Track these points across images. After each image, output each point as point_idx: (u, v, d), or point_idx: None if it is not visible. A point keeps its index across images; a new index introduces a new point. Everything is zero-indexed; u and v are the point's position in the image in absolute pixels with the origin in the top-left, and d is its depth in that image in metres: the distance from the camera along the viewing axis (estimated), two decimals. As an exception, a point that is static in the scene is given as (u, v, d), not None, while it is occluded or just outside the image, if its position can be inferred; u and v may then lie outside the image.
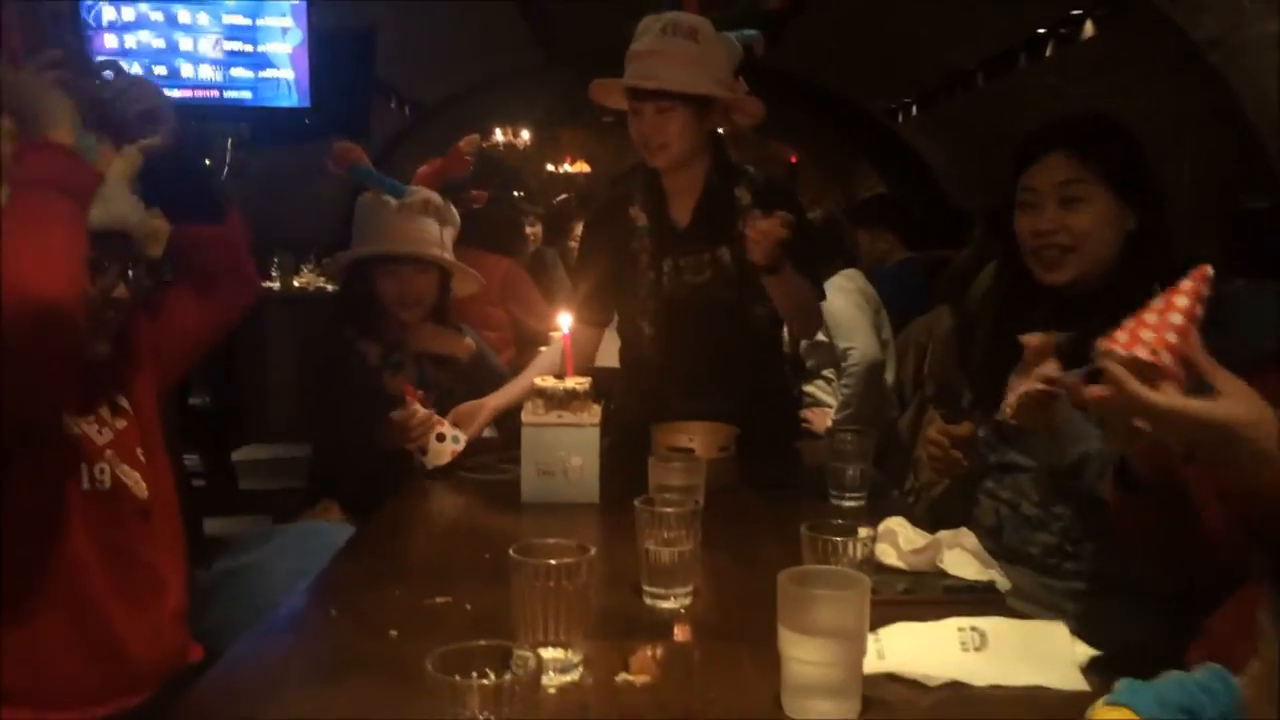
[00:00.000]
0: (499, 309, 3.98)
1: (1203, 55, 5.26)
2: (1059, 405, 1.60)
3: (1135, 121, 5.72)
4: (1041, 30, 6.62)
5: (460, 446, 2.24)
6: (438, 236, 2.52)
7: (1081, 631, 1.34)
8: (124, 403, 1.68)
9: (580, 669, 1.24)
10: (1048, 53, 6.68)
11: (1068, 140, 1.81)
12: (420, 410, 2.21)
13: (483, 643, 0.98)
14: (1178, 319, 1.17)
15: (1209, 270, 1.19)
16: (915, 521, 1.95)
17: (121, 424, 1.65)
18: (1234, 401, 1.13)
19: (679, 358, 2.44)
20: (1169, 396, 1.14)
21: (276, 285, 6.34)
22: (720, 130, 2.45)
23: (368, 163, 2.53)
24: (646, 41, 2.25)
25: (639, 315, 2.45)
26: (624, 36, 2.35)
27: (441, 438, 2.23)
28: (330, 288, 6.44)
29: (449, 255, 2.55)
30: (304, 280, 6.77)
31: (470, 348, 2.56)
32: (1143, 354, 1.16)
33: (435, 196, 2.54)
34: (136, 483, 1.63)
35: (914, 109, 8.86)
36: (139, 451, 1.66)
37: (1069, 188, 1.78)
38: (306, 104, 5.74)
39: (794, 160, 11.33)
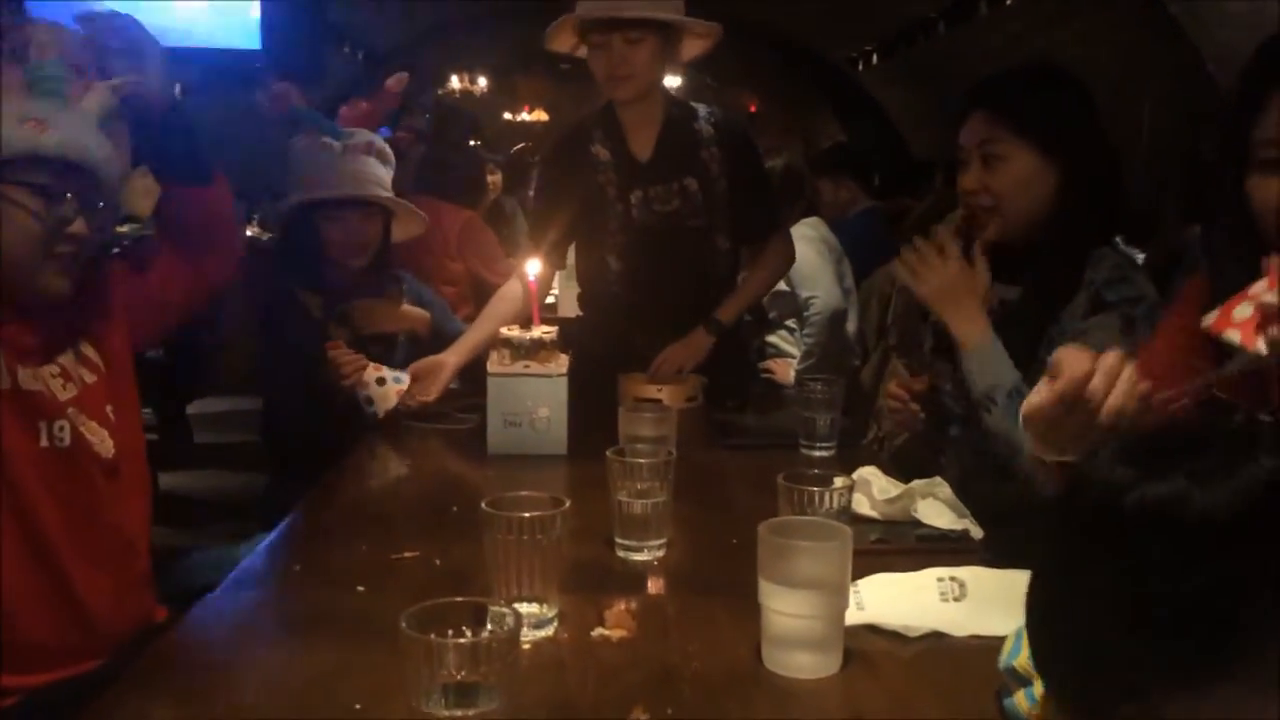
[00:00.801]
0: (457, 263, 3.89)
1: (1163, 4, 5.26)
2: None
3: (1096, 71, 5.75)
4: (1004, -23, 6.59)
5: (404, 386, 2.19)
6: (382, 178, 2.46)
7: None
8: (93, 355, 1.61)
9: (555, 624, 1.22)
10: (1008, 1, 6.65)
11: (987, 98, 1.79)
12: (346, 351, 2.18)
13: (458, 599, 0.95)
14: None
15: None
16: (881, 465, 1.96)
17: (90, 378, 1.59)
18: None
19: (647, 292, 2.44)
20: None
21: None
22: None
23: (304, 104, 2.45)
24: None
25: (606, 251, 2.44)
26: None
27: (382, 381, 2.18)
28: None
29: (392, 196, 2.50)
30: (254, 230, 6.63)
31: (426, 319, 2.49)
32: None
33: (376, 138, 2.49)
34: (103, 440, 1.57)
35: (874, 57, 8.83)
36: (108, 408, 1.60)
37: (987, 146, 1.75)
38: (258, 47, 5.61)
39: (753, 109, 11.27)
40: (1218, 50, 5.13)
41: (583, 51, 2.36)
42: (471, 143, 6.40)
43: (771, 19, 8.81)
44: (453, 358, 2.28)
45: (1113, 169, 1.78)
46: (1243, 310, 1.06)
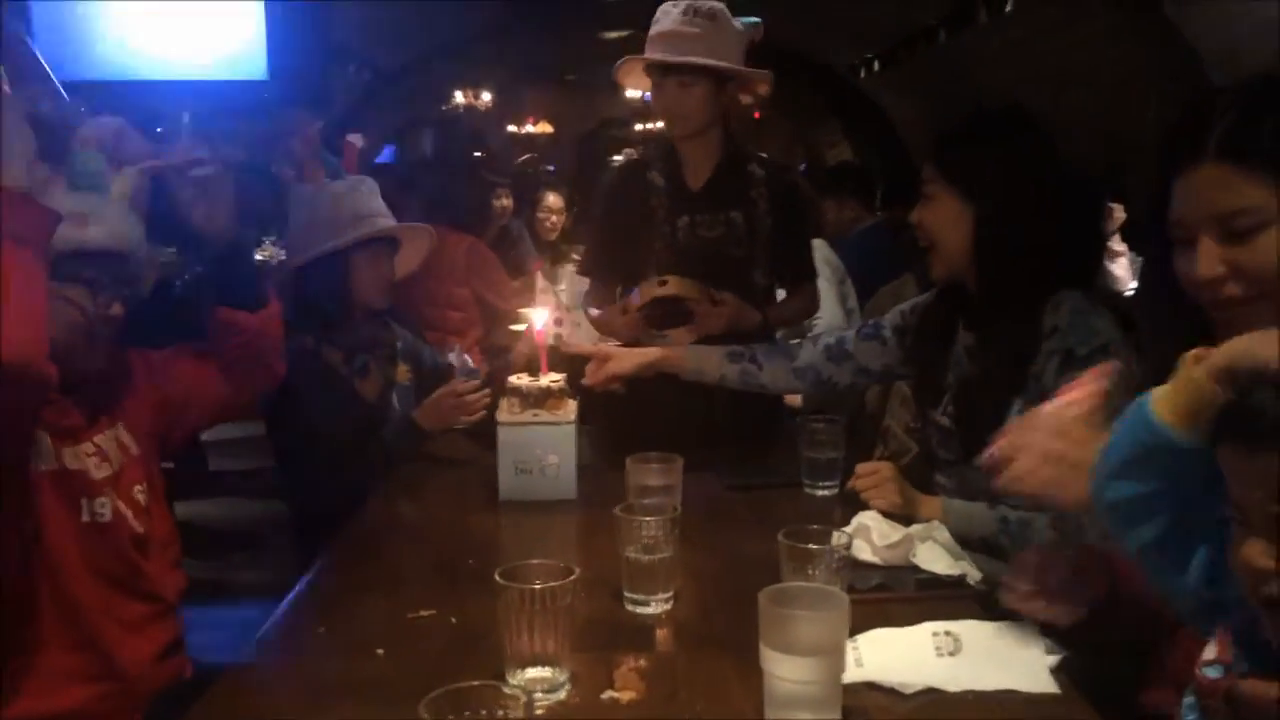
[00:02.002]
0: (464, 288, 3.96)
1: (1160, 8, 5.28)
2: None
3: (1098, 76, 5.76)
4: (1002, -15, 6.60)
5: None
6: (388, 211, 2.53)
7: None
8: (127, 438, 1.69)
9: (567, 687, 1.27)
10: (1008, 7, 6.66)
11: (932, 149, 1.91)
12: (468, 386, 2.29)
13: (475, 684, 1.00)
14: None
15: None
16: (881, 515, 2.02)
17: (121, 459, 1.66)
18: None
19: (685, 313, 2.49)
20: None
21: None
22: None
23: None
24: (667, 23, 2.43)
25: (650, 270, 2.53)
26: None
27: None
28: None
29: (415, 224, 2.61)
30: (266, 253, 6.70)
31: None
32: None
33: (368, 179, 2.57)
34: (135, 516, 1.64)
35: (876, 65, 8.84)
36: (137, 489, 1.67)
37: (925, 187, 1.88)
38: (264, 77, 5.67)
39: (757, 116, 11.29)
40: (1216, 53, 5.15)
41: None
42: (476, 155, 6.44)
43: (774, 27, 8.84)
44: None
45: (1048, 217, 1.79)
46: None
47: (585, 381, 2.16)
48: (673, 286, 2.37)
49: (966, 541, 1.73)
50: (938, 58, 7.83)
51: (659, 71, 2.44)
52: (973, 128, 1.92)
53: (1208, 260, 1.16)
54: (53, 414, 1.55)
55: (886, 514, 1.75)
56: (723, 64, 2.41)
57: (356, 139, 2.67)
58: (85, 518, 1.57)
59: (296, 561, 1.88)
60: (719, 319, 2.38)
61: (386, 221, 2.47)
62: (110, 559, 1.58)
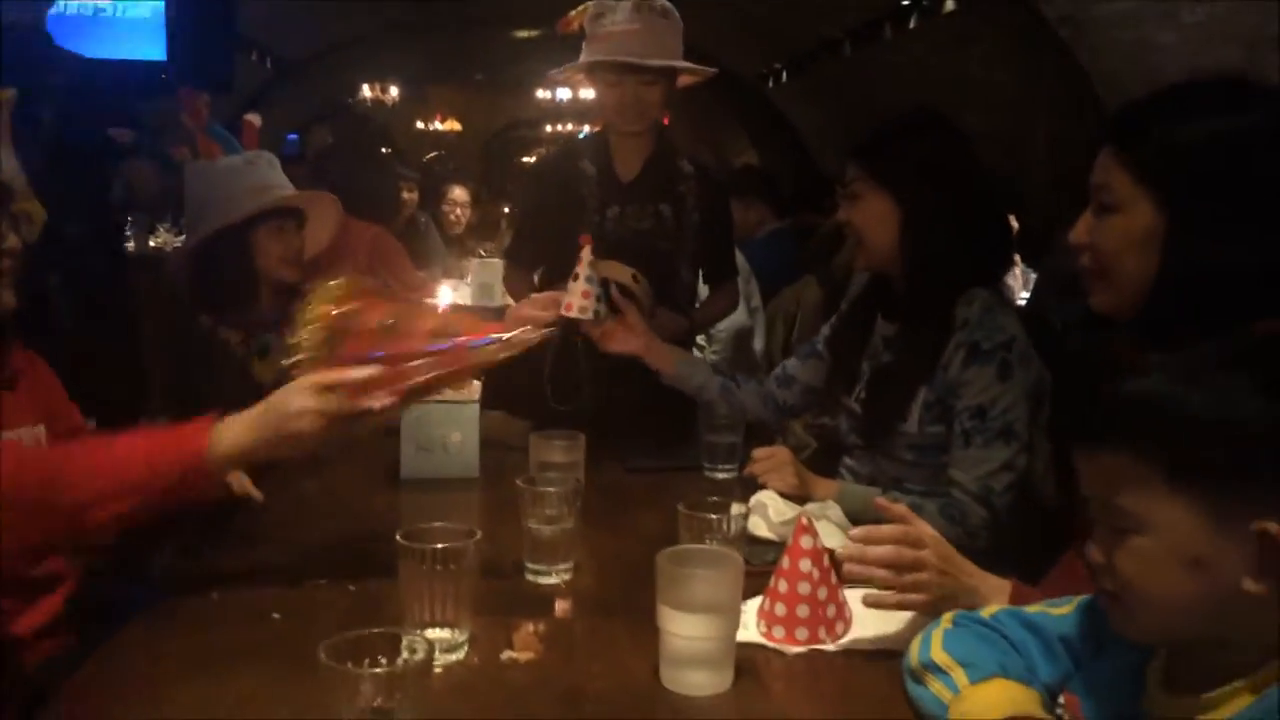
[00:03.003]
0: (369, 276, 3.91)
1: (1054, 31, 5.49)
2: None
3: (996, 93, 5.94)
4: (906, 1, 6.79)
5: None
6: (290, 185, 2.48)
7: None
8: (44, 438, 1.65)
9: (466, 648, 1.28)
10: (911, 24, 6.86)
11: (857, 148, 1.98)
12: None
13: (374, 630, 1.01)
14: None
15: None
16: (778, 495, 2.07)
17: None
18: None
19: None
20: None
21: (131, 246, 6.09)
22: None
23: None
24: (621, 19, 2.39)
25: (577, 259, 2.52)
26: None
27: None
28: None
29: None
30: (160, 240, 6.52)
31: None
32: None
33: (267, 153, 2.54)
34: None
35: (784, 75, 9.01)
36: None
37: (850, 185, 1.96)
38: (163, 57, 5.53)
39: (666, 122, 11.38)
40: (1103, 76, 5.38)
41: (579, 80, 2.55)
42: (384, 150, 6.37)
43: (686, 34, 8.96)
44: None
45: (969, 216, 1.89)
46: None
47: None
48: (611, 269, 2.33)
49: (860, 523, 1.79)
50: (843, 70, 8.02)
51: (615, 70, 2.40)
52: (897, 129, 1.97)
53: (1080, 226, 1.30)
54: None
55: (783, 494, 1.80)
56: (690, 65, 2.45)
57: (255, 118, 2.62)
58: None
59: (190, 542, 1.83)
60: (642, 316, 2.35)
61: (286, 191, 2.42)
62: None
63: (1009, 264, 2.58)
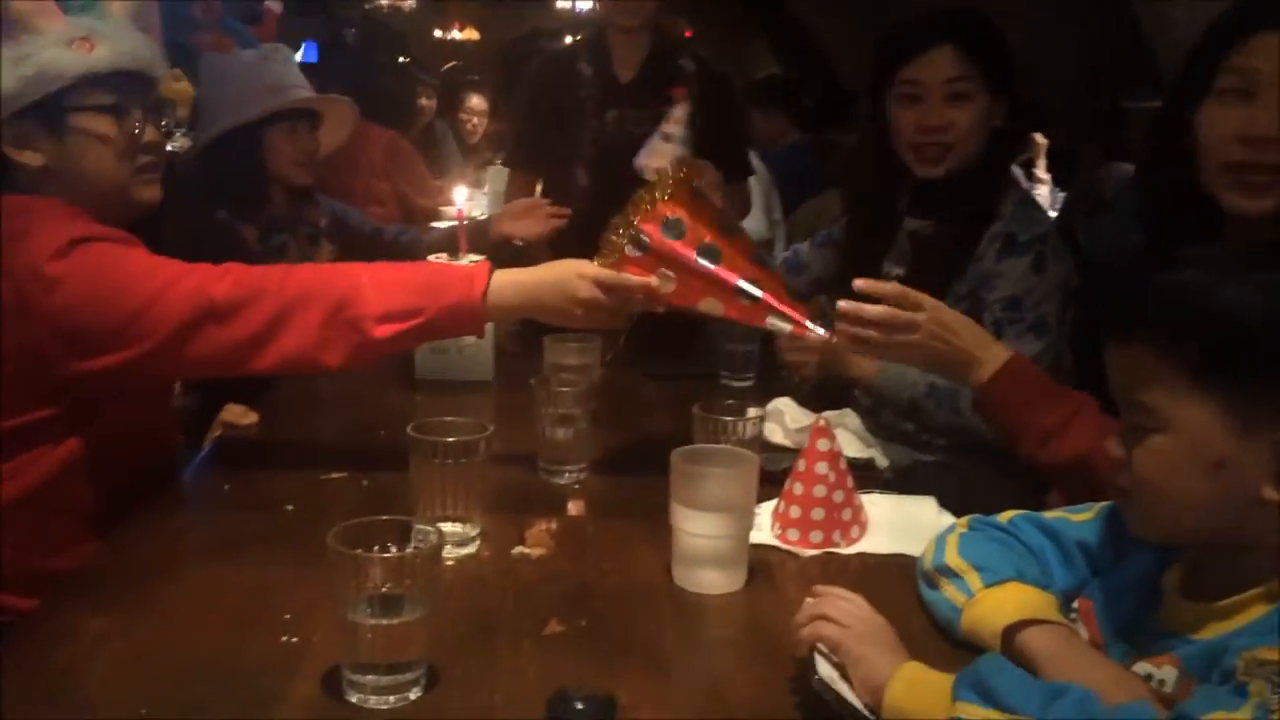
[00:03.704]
0: (384, 183, 3.86)
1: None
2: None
3: (1026, 6, 5.77)
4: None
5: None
6: (306, 83, 2.42)
7: (954, 502, 1.44)
8: None
9: (478, 543, 1.28)
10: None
11: (956, 35, 1.81)
12: None
13: (384, 518, 1.00)
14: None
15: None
16: (802, 398, 2.04)
17: None
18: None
19: (611, 211, 2.46)
20: None
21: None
22: None
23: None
24: None
25: (576, 165, 2.50)
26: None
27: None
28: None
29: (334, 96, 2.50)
30: (177, 144, 6.48)
31: None
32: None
33: (282, 47, 2.47)
34: None
35: (809, -14, 8.78)
36: None
37: (956, 84, 1.79)
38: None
39: (689, 35, 11.17)
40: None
41: None
42: (401, 60, 6.26)
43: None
44: None
45: (1021, 108, 1.88)
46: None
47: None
48: None
49: (894, 402, 1.78)
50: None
51: None
52: (988, 26, 1.86)
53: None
54: None
55: (800, 401, 1.78)
56: None
57: (275, 6, 2.54)
58: None
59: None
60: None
61: (303, 93, 2.37)
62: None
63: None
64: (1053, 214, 4.54)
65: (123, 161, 1.47)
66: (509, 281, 1.49)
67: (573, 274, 1.49)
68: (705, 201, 1.55)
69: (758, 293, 1.46)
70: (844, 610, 1.00)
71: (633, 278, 1.48)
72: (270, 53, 2.40)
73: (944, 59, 1.79)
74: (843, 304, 1.40)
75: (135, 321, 1.36)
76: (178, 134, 2.77)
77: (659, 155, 1.96)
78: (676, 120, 2.02)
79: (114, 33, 1.46)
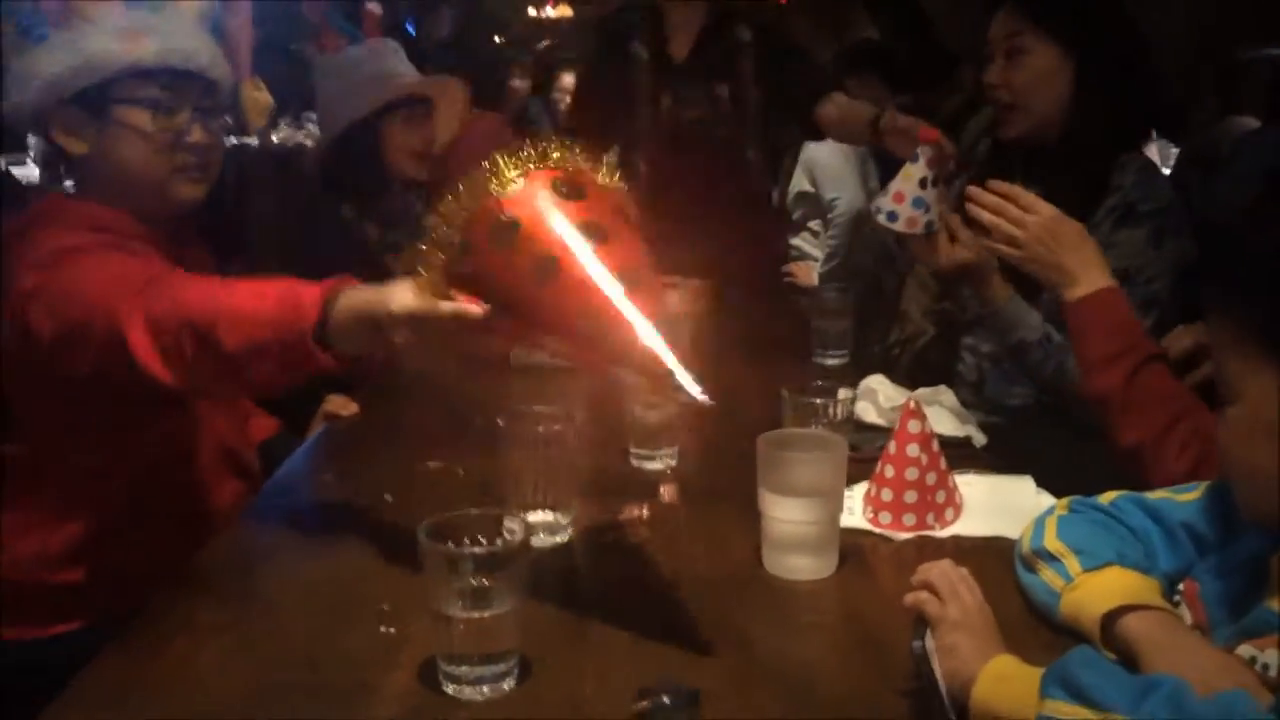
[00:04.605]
0: (473, 164, 3.88)
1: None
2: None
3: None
4: None
5: None
6: (416, 73, 2.43)
7: (1058, 479, 1.41)
8: None
9: (570, 531, 1.30)
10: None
11: None
12: None
13: (474, 511, 1.02)
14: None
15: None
16: (901, 373, 2.01)
17: None
18: None
19: (672, 200, 2.44)
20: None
21: (255, 141, 6.21)
22: None
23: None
24: None
25: (635, 153, 2.45)
26: None
27: None
28: (310, 143, 6.31)
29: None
30: (283, 135, 6.63)
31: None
32: None
33: (389, 40, 2.48)
34: None
35: (906, -56, 8.56)
36: None
37: (1012, 40, 1.77)
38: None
39: (783, 1, 11.00)
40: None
41: None
42: (496, 39, 6.30)
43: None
44: None
45: (1138, 70, 1.78)
46: None
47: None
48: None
49: (1005, 335, 1.71)
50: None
51: None
52: None
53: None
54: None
55: (894, 380, 1.75)
56: None
57: (375, 6, 2.59)
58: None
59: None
60: None
61: (411, 79, 2.38)
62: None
63: (1150, 132, 2.43)
64: (1166, 171, 4.38)
65: (160, 157, 1.47)
66: (353, 296, 1.21)
67: (384, 313, 1.16)
68: (579, 199, 1.12)
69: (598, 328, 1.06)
70: (949, 587, 0.98)
71: (445, 306, 1.13)
72: (378, 46, 2.42)
73: (1005, 16, 1.79)
74: (970, 189, 1.55)
75: (84, 335, 1.30)
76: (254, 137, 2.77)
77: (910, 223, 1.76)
78: (924, 164, 1.75)
79: (167, 29, 1.46)
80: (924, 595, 0.99)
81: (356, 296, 1.20)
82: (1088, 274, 1.44)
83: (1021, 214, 1.48)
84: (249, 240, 5.28)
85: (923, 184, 1.74)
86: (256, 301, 1.23)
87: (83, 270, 1.34)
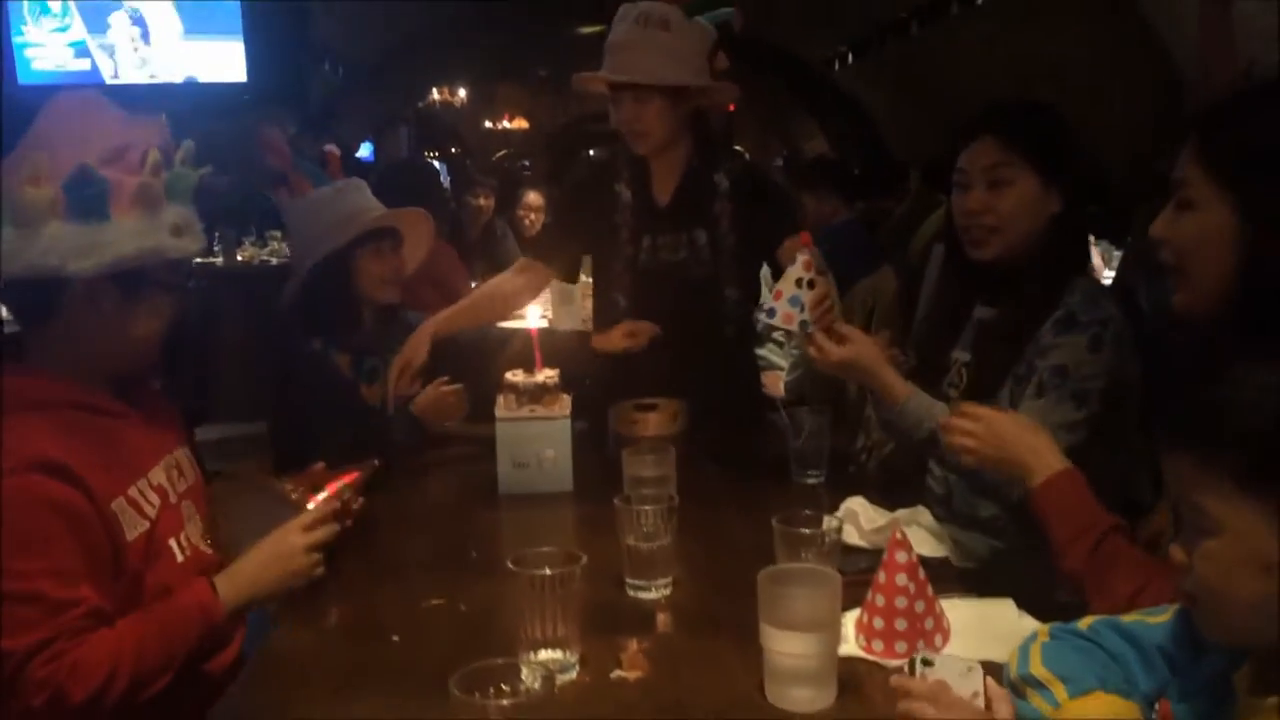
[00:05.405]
0: (426, 288, 3.92)
1: (1133, 3, 5.37)
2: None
3: (1069, 71, 5.84)
4: (973, -23, 6.70)
5: None
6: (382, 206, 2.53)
7: (1034, 594, 1.49)
8: (183, 458, 1.73)
9: (577, 668, 1.34)
10: (979, 0, 6.77)
11: (997, 125, 1.92)
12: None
13: (499, 661, 1.07)
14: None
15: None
16: (869, 478, 2.09)
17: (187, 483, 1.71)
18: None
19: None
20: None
21: (220, 261, 6.29)
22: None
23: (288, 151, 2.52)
24: (621, 33, 2.34)
25: (615, 288, 2.53)
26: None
27: None
28: (274, 261, 6.39)
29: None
30: (247, 254, 6.72)
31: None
32: None
33: (356, 179, 2.57)
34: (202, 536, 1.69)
35: (850, 57, 8.94)
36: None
37: (996, 170, 1.89)
38: (243, 79, 5.72)
39: (732, 108, 11.37)
40: (1185, 48, 5.26)
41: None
42: (454, 150, 6.44)
43: (749, 19, 8.94)
44: (430, 327, 2.37)
45: (1098, 193, 1.92)
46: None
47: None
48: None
49: (913, 433, 1.88)
50: (910, 50, 7.94)
51: (613, 88, 2.36)
52: (1042, 113, 1.93)
53: (1160, 221, 1.41)
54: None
55: (876, 502, 1.83)
56: (670, 80, 2.31)
57: (335, 149, 2.71)
58: (179, 558, 1.60)
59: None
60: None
61: (378, 213, 2.47)
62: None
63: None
64: (1108, 274, 4.56)
65: (161, 331, 1.60)
66: (229, 581, 1.54)
67: (285, 539, 1.60)
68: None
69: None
70: (932, 692, 1.05)
71: (324, 506, 1.70)
72: (344, 185, 2.51)
73: (985, 148, 1.90)
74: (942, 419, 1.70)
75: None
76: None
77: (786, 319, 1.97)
78: (801, 265, 1.94)
79: (197, 224, 1.61)
80: (916, 705, 1.05)
81: (237, 569, 1.58)
82: (1040, 461, 1.53)
83: (969, 424, 1.60)
84: (216, 369, 5.31)
85: (799, 284, 1.94)
86: (164, 631, 1.46)
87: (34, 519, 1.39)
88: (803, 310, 1.92)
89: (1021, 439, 1.56)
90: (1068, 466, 1.52)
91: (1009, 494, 1.74)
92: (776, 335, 3.98)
